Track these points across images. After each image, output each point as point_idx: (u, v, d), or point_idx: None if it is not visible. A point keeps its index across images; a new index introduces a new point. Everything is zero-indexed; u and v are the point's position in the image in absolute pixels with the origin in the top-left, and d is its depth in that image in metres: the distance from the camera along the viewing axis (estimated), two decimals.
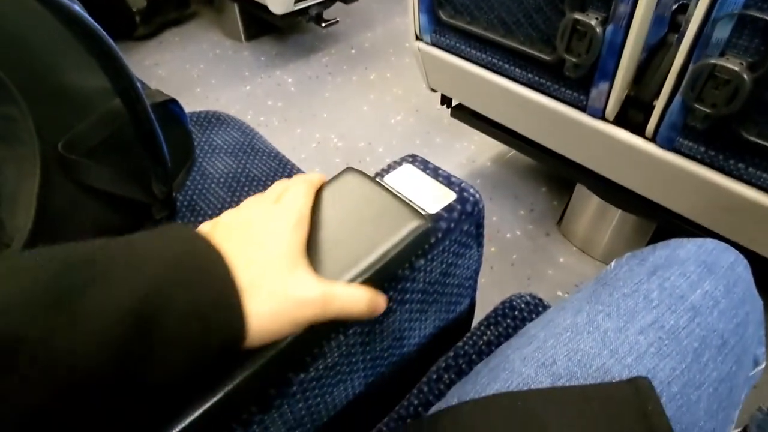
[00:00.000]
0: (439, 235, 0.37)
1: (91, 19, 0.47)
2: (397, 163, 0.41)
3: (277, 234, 0.28)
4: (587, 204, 1.08)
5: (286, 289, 0.26)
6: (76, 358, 0.21)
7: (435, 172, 0.40)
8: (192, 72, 1.73)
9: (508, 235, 1.17)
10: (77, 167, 0.48)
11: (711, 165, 0.72)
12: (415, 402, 0.43)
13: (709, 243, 0.42)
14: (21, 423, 0.20)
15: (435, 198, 0.38)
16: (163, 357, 0.23)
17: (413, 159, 0.41)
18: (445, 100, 1.19)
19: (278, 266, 0.26)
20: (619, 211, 1.03)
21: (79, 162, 0.48)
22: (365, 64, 1.75)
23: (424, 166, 0.40)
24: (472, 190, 0.39)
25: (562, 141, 0.94)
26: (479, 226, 0.41)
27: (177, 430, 0.25)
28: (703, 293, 0.37)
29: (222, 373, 0.27)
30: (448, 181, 0.39)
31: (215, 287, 0.24)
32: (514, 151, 1.37)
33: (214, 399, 0.26)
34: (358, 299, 0.28)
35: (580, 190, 1.09)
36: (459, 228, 0.38)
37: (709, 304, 0.37)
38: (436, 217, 0.37)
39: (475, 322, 0.52)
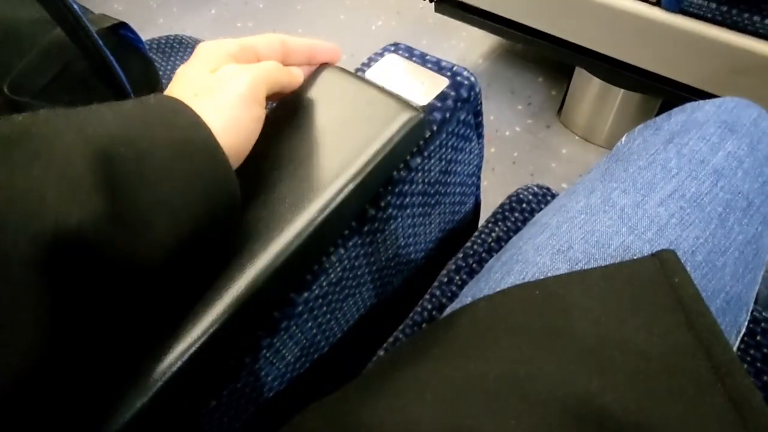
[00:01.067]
0: (435, 128, 0.33)
1: None
2: (379, 55, 0.36)
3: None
4: (587, 88, 1.02)
5: (223, 90, 0.26)
6: (43, 224, 0.18)
7: (422, 59, 0.35)
8: (150, 1, 1.59)
9: (507, 133, 1.13)
10: (30, 111, 0.44)
11: (723, 23, 0.66)
12: (429, 306, 0.42)
13: (729, 101, 0.38)
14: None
15: (425, 87, 0.34)
16: (150, 209, 0.21)
17: (396, 47, 0.36)
18: None
19: (212, 83, 0.26)
20: (622, 91, 0.97)
21: (30, 105, 0.44)
22: None
23: (409, 53, 0.36)
24: (466, 73, 0.34)
25: (560, 21, 0.86)
26: (478, 114, 0.37)
27: (176, 366, 0.24)
28: (725, 155, 0.34)
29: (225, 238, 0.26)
30: (438, 66, 0.35)
31: (181, 115, 0.24)
32: (507, 44, 1.28)
33: (214, 327, 0.25)
34: (270, 68, 0.28)
35: (579, 75, 1.03)
36: (456, 118, 0.34)
37: (733, 165, 0.34)
38: (429, 108, 0.33)
39: (481, 222, 0.50)
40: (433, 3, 1.09)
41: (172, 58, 0.68)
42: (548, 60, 1.23)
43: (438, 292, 0.43)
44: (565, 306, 0.28)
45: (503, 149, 1.11)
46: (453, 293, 0.42)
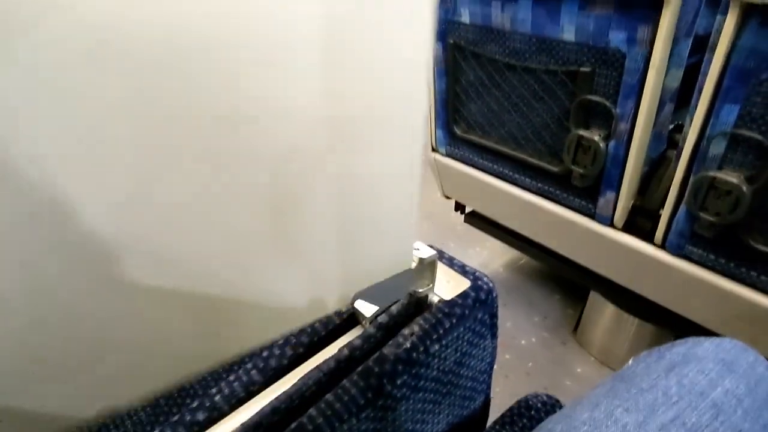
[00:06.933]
0: (454, 321, 0.38)
1: None
2: None
3: None
4: (602, 312, 1.07)
5: None
6: None
7: (450, 261, 0.42)
8: None
9: (523, 342, 1.15)
10: None
11: (722, 272, 0.72)
12: None
13: (727, 342, 0.42)
14: None
15: (450, 286, 0.40)
16: None
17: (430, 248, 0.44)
18: (459, 207, 1.24)
19: None
20: (637, 319, 1.01)
21: None
22: None
23: (440, 255, 0.43)
24: (485, 279, 0.40)
25: (573, 247, 0.96)
26: (493, 316, 0.42)
27: None
28: (724, 391, 0.36)
29: None
30: (462, 270, 0.41)
31: None
32: (526, 258, 1.39)
33: None
34: None
35: (594, 298, 1.09)
36: (473, 315, 0.39)
37: (732, 402, 0.36)
38: (450, 303, 0.38)
39: (489, 423, 0.50)
40: (463, 215, 1.24)
41: None
42: (565, 279, 1.31)
43: None
44: None
45: (518, 358, 1.11)
46: None
